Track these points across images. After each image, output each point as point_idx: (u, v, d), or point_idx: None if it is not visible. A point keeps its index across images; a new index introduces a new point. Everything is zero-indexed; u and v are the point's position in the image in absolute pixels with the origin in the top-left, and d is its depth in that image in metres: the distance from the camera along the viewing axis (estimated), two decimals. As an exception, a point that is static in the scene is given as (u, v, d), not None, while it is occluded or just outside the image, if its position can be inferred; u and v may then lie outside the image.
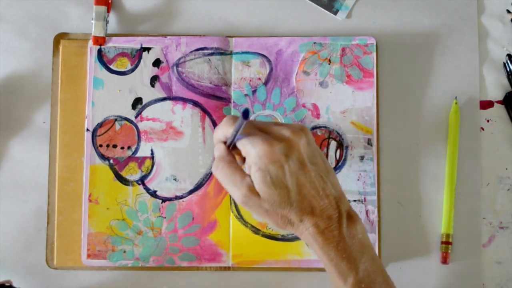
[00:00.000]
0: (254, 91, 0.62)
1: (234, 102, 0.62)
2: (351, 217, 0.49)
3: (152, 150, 0.62)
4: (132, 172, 0.61)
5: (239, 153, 0.50)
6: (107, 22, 0.62)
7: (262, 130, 0.48)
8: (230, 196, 0.61)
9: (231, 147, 0.49)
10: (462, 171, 0.62)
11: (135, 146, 0.62)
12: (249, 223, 0.61)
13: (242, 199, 0.48)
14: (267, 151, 0.46)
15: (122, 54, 0.62)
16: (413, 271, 0.61)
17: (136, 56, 0.62)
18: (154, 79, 0.62)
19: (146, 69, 0.62)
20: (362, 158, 0.62)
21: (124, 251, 0.60)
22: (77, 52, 0.62)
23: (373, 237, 0.60)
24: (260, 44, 0.63)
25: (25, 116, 0.62)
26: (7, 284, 0.55)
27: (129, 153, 0.62)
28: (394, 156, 0.62)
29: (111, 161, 0.61)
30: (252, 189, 0.47)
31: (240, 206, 0.61)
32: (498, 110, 0.63)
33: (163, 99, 0.62)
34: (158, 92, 0.62)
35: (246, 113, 0.43)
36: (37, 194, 0.61)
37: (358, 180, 0.61)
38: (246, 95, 0.62)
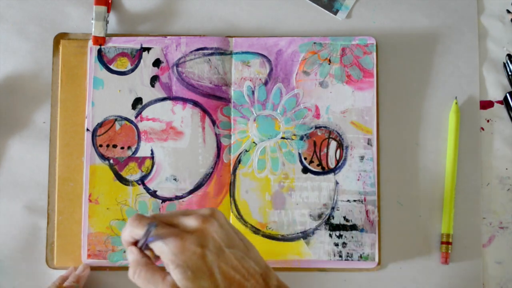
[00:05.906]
0: (254, 91, 0.62)
1: (234, 102, 0.62)
2: None
3: (152, 150, 0.62)
4: (132, 172, 0.61)
5: (152, 251, 0.47)
6: (107, 22, 0.62)
7: (170, 224, 0.46)
8: (230, 196, 0.61)
9: (144, 247, 0.47)
10: (462, 171, 0.62)
11: (135, 146, 0.62)
12: (249, 223, 0.61)
13: None
14: (181, 246, 0.44)
15: (122, 54, 0.62)
16: (413, 271, 0.61)
17: (136, 56, 0.62)
18: (154, 79, 0.62)
19: (146, 69, 0.62)
20: (362, 158, 0.61)
21: (124, 251, 0.60)
22: (77, 52, 0.62)
23: (373, 237, 0.60)
24: (260, 44, 0.63)
25: (25, 116, 0.62)
26: None
27: (129, 153, 0.62)
28: (394, 156, 0.62)
29: (111, 161, 0.61)
30: (176, 287, 0.45)
31: (240, 206, 0.61)
32: (498, 110, 0.63)
33: (163, 99, 0.62)
34: (158, 92, 0.62)
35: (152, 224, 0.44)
36: (37, 194, 0.61)
37: (358, 180, 0.61)
38: (246, 95, 0.62)
